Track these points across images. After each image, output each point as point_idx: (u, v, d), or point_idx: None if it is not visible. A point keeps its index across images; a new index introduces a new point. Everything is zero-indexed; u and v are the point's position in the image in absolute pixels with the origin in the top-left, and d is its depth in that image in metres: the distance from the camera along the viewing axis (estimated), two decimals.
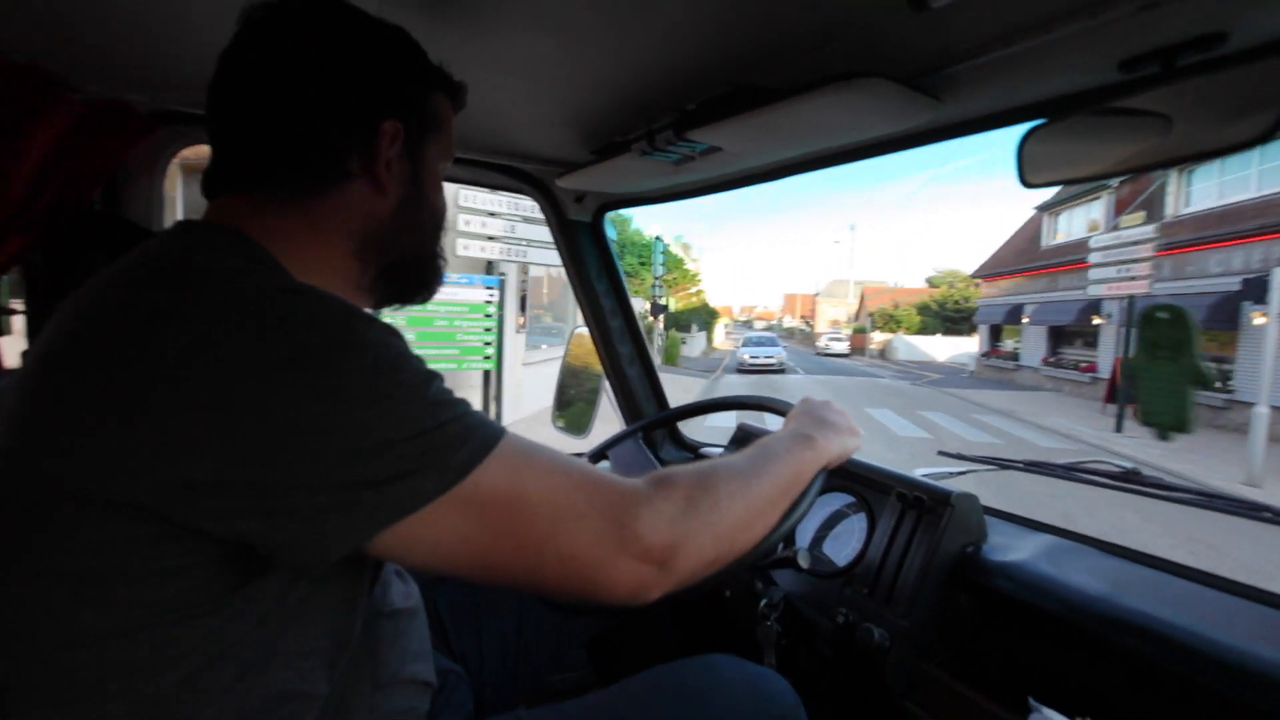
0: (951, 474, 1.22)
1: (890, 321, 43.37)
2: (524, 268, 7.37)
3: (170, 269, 0.45)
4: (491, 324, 5.10)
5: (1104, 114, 0.65)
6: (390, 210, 0.56)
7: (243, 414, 0.39)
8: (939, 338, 34.90)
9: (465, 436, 0.44)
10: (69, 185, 0.91)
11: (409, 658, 0.62)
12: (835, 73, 0.67)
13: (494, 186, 1.23)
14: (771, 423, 1.27)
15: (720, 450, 1.32)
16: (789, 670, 0.86)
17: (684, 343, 26.19)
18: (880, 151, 0.89)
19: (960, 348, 29.83)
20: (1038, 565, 0.81)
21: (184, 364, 0.39)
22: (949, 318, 37.13)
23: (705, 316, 36.99)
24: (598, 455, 1.21)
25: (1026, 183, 0.70)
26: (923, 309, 40.94)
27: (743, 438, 1.29)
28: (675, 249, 34.81)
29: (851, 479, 1.04)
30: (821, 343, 41.26)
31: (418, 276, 0.63)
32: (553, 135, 1.04)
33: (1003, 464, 1.18)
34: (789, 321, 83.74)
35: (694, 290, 34.93)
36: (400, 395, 0.43)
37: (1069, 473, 1.03)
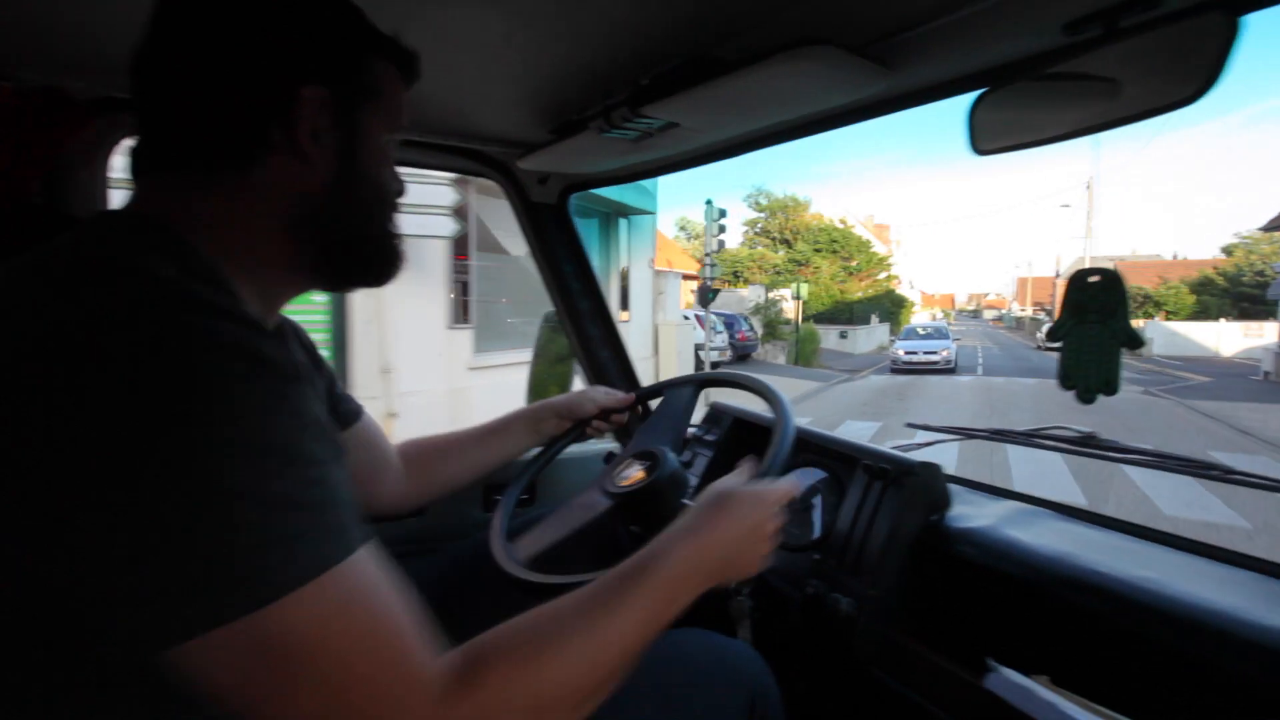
0: (920, 444, 1.24)
1: (1148, 304, 32.65)
2: (455, 243, 6.16)
3: (61, 268, 0.40)
4: (325, 317, 4.30)
5: (1051, 78, 0.65)
6: (322, 185, 0.52)
7: (33, 462, 0.34)
8: (1224, 324, 25.35)
9: (291, 555, 0.36)
10: (4, 178, 0.88)
11: None
12: (785, 40, 0.66)
13: (453, 170, 1.21)
14: (746, 402, 1.28)
15: (694, 431, 1.32)
16: (762, 643, 0.87)
17: (844, 336, 23.07)
18: (837, 124, 0.88)
19: (1271, 335, 20.01)
20: (999, 530, 0.83)
21: None
22: (1244, 295, 26.89)
23: (887, 305, 30.83)
24: (648, 395, 1.13)
25: (978, 150, 0.70)
26: (1201, 285, 31.02)
27: (715, 417, 1.29)
28: (862, 230, 31.14)
29: (822, 453, 1.04)
30: (1042, 333, 30.96)
31: (364, 258, 0.59)
32: (510, 115, 1.02)
33: (968, 434, 1.19)
34: (1018, 310, 70.21)
35: (884, 276, 30.22)
36: (237, 480, 0.35)
37: (1029, 439, 1.05)
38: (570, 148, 1.03)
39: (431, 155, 1.17)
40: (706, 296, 9.86)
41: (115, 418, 0.34)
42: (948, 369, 17.24)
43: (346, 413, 0.84)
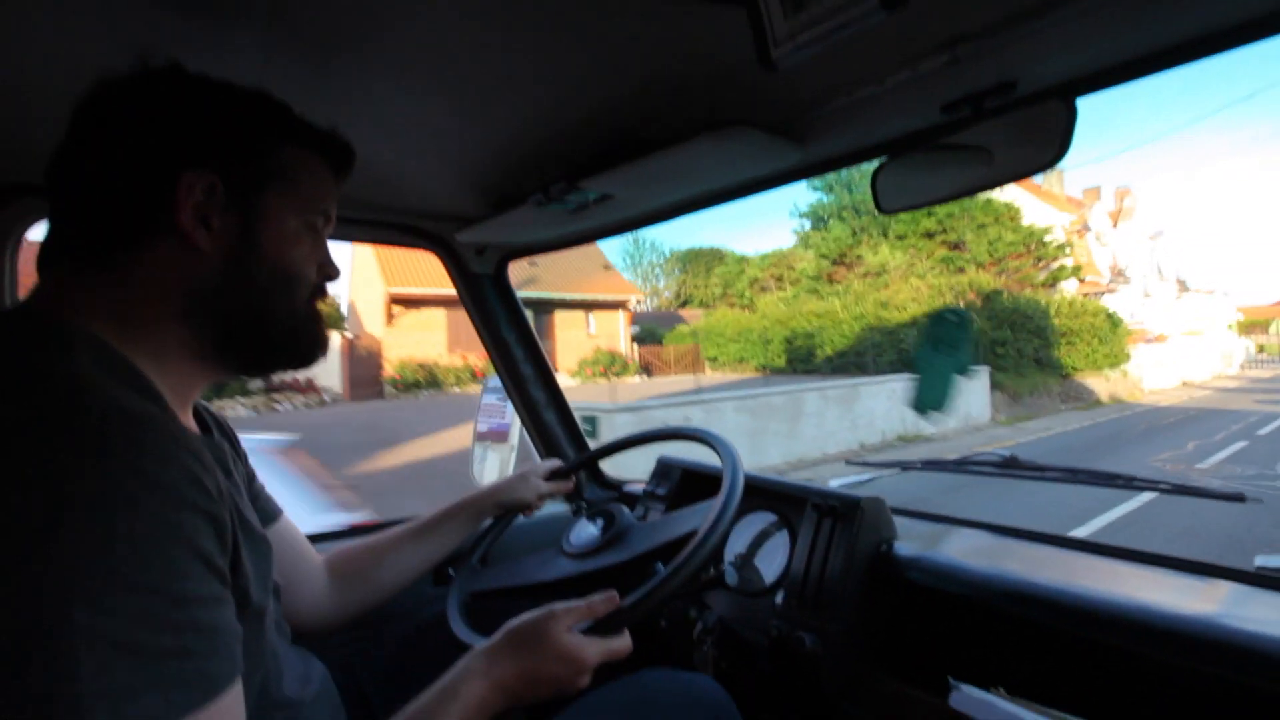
0: (861, 481, 1.30)
1: None
2: None
3: None
4: None
5: (937, 149, 0.75)
6: (216, 268, 0.54)
7: None
8: None
9: (119, 712, 0.34)
10: None
11: None
12: (707, 121, 0.73)
13: (389, 243, 1.22)
14: (696, 454, 1.31)
15: (641, 489, 1.34)
16: (732, 689, 0.87)
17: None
18: (755, 190, 0.97)
19: None
20: (941, 554, 0.88)
21: None
22: None
23: (1044, 332, 13.39)
24: (589, 463, 1.19)
25: (882, 209, 0.79)
26: None
27: (664, 471, 1.31)
28: (1021, 194, 16.32)
29: (771, 497, 1.08)
30: None
31: (271, 341, 0.59)
32: (448, 193, 1.05)
33: (904, 465, 1.27)
34: None
35: (1048, 271, 15.19)
36: (83, 619, 0.34)
37: (959, 466, 1.14)
38: (508, 220, 1.07)
39: (367, 230, 1.18)
40: None
41: None
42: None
43: (263, 513, 0.77)
